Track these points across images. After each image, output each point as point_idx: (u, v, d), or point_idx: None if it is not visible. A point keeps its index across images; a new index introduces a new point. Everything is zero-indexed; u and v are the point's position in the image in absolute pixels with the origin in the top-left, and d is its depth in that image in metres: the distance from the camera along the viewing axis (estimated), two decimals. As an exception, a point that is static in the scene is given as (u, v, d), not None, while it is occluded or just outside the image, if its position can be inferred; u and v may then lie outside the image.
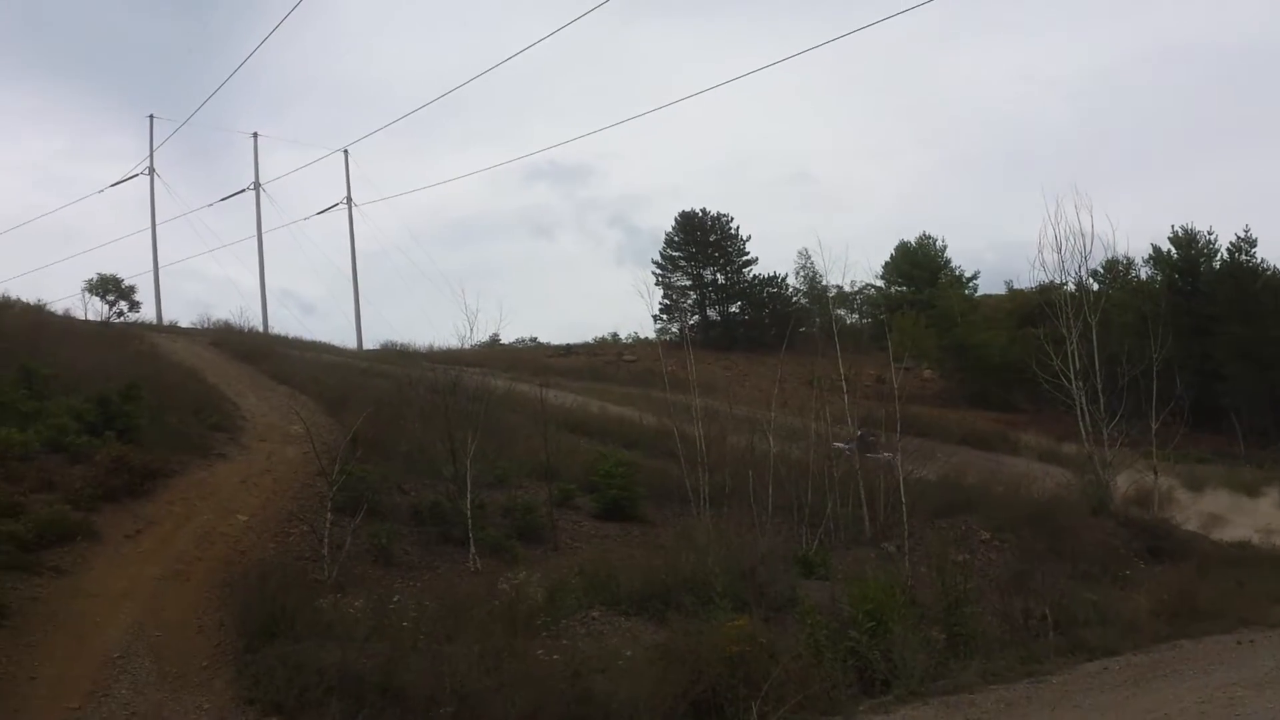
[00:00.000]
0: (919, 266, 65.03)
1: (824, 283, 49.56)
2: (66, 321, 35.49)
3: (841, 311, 53.77)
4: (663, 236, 69.00)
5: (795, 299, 64.65)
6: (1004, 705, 10.94)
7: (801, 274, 65.58)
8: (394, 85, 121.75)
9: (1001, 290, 62.93)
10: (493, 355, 46.66)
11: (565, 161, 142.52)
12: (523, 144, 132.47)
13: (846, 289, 59.22)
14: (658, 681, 9.93)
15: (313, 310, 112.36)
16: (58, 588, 12.95)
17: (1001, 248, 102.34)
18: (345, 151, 59.93)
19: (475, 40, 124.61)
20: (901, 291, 63.74)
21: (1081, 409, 25.12)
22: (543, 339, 66.49)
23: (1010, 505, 22.69)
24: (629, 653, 11.89)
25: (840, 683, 10.76)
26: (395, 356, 37.91)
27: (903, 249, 66.34)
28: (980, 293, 65.12)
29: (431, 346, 41.26)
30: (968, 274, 66.93)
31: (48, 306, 37.73)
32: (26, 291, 53.08)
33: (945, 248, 66.68)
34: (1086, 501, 24.16)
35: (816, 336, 30.67)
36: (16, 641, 11.23)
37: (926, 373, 54.97)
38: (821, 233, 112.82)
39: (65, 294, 77.66)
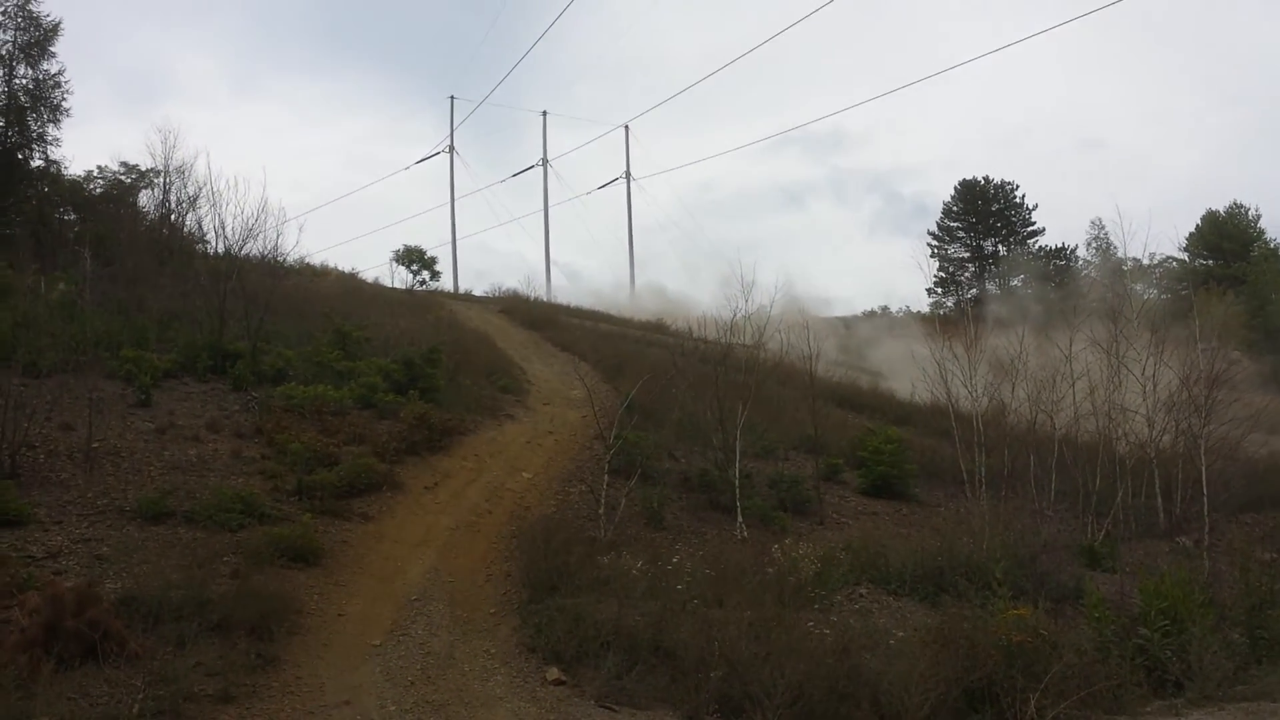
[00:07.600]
0: (1229, 238, 59.05)
1: (1119, 255, 45.97)
2: (376, 289, 38.73)
3: (1139, 286, 49.66)
4: (936, 208, 66.69)
5: (1086, 272, 60.68)
6: (1311, 716, 9.92)
7: (1093, 246, 61.66)
8: (674, 62, 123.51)
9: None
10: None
11: (840, 133, 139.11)
12: (794, 117, 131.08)
13: (1145, 262, 54.83)
14: (931, 665, 9.67)
15: (585, 279, 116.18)
16: (365, 533, 14.31)
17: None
18: (626, 127, 61.69)
19: (754, 15, 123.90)
20: (1206, 266, 58.22)
21: None
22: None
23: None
24: (899, 633, 11.69)
25: (1127, 681, 10.14)
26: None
27: (1210, 219, 60.32)
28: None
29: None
30: (1287, 246, 60.16)
31: (360, 274, 41.56)
32: (342, 260, 58.11)
33: (1259, 217, 60.20)
34: None
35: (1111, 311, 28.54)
36: (328, 580, 12.46)
37: (1234, 354, 49.93)
38: (1120, 202, 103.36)
39: (375, 263, 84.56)
